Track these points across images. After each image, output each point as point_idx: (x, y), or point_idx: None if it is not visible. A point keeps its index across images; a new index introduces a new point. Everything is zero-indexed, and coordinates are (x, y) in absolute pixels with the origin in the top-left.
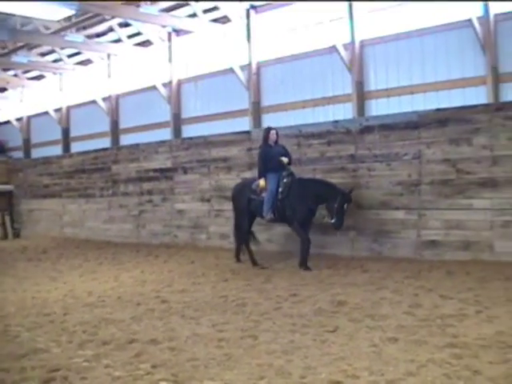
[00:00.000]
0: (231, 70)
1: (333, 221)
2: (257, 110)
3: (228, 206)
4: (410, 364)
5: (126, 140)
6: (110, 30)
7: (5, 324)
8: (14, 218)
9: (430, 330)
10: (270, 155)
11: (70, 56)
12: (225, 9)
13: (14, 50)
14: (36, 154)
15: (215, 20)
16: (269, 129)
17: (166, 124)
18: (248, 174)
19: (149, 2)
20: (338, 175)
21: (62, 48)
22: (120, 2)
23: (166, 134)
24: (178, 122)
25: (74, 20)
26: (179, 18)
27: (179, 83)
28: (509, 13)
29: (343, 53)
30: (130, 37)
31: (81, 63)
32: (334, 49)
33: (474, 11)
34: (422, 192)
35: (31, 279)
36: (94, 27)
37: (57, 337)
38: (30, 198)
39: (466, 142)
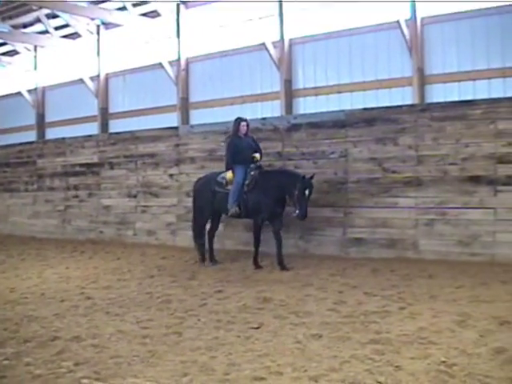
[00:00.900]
0: (160, 65)
1: (296, 212)
2: (185, 106)
3: (154, 202)
4: (333, 360)
5: (52, 134)
6: (37, 20)
7: None
8: None
9: (354, 326)
10: (239, 147)
11: None
12: (155, 3)
13: None
14: None
15: (145, 14)
16: (239, 120)
17: (93, 118)
18: (175, 170)
19: None
20: None
21: None
22: None
23: (93, 129)
24: (105, 116)
25: None
26: (108, 11)
27: (107, 77)
28: (435, 16)
29: (272, 50)
30: (57, 28)
31: (6, 54)
32: (263, 46)
33: (402, 13)
34: (348, 190)
35: None
36: (21, 17)
37: None
38: None
39: (392, 142)
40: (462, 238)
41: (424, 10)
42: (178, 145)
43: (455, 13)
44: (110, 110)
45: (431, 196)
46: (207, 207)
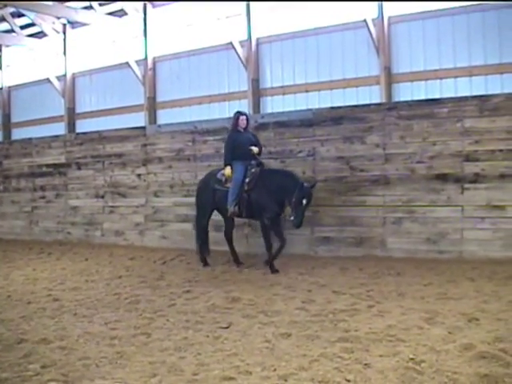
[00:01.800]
0: (127, 65)
1: (291, 218)
2: (152, 106)
3: (122, 203)
4: (302, 359)
5: (18, 134)
6: (2, 19)
7: None
8: None
9: (323, 324)
10: (238, 142)
11: None
12: (121, 2)
13: None
14: None
15: (112, 13)
16: (238, 113)
17: (59, 118)
18: (143, 170)
19: None
20: None
21: None
22: None
23: (59, 129)
24: (72, 116)
25: None
26: (75, 10)
27: (74, 77)
28: (402, 15)
29: (239, 50)
30: (23, 27)
31: None
32: (230, 45)
33: (369, 12)
34: (316, 189)
35: None
36: None
37: None
38: None
39: (359, 140)
40: (430, 235)
41: (391, 9)
42: (145, 145)
43: (422, 12)
44: (77, 110)
45: (399, 194)
46: (208, 206)
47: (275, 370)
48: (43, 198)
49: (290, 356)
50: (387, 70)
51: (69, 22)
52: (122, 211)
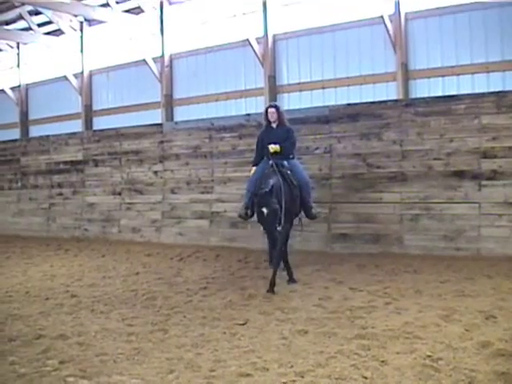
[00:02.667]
0: (144, 62)
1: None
2: (169, 103)
3: (139, 199)
4: (319, 356)
5: (35, 131)
6: (20, 17)
7: None
8: None
9: (340, 321)
10: (266, 140)
11: None
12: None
13: None
14: None
15: (128, 10)
16: (267, 106)
17: (77, 116)
18: (160, 167)
19: None
20: (248, 169)
21: None
22: None
23: (77, 126)
24: (89, 113)
25: None
26: (92, 8)
27: (91, 74)
28: (419, 11)
29: (256, 46)
30: (40, 25)
31: None
32: (247, 42)
33: (386, 9)
34: (332, 186)
35: None
36: (3, 14)
37: None
38: None
39: (376, 137)
40: (447, 232)
41: (408, 5)
42: (162, 141)
43: (439, 8)
44: (94, 107)
45: (416, 191)
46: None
47: (292, 366)
48: (60, 194)
49: (306, 353)
50: (404, 66)
51: (86, 19)
52: (139, 208)
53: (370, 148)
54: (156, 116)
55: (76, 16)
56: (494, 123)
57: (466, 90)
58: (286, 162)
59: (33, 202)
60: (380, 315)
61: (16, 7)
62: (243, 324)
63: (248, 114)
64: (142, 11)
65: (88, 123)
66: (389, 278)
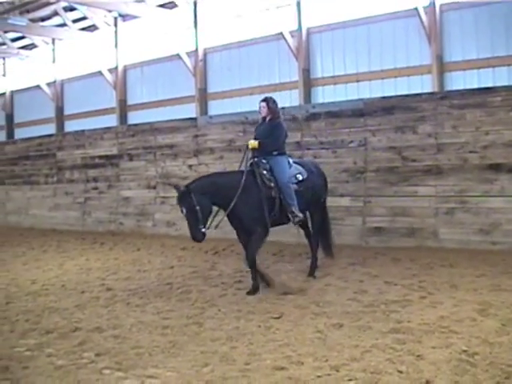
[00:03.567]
0: (178, 56)
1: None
2: (203, 97)
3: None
4: (354, 349)
5: (71, 126)
6: (55, 13)
7: None
8: None
9: (375, 315)
10: (255, 135)
11: (13, 40)
12: None
13: None
14: None
15: (162, 5)
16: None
17: (111, 110)
18: (194, 161)
19: None
20: None
21: (5, 31)
22: None
23: (111, 121)
24: (123, 108)
25: (17, 3)
26: (125, 3)
27: (125, 69)
28: (454, 3)
29: (290, 40)
30: (75, 21)
31: (25, 47)
32: (280, 36)
33: (421, 1)
34: (367, 179)
35: None
36: (38, 11)
37: None
38: None
39: (411, 130)
40: (483, 226)
41: None
42: (196, 135)
43: None
44: (129, 102)
45: (451, 184)
46: None
47: (327, 360)
48: (96, 189)
49: (341, 346)
50: (439, 58)
51: (120, 14)
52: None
53: (405, 141)
54: (190, 110)
55: (110, 11)
56: None
57: (501, 82)
58: (264, 160)
59: (68, 196)
60: (415, 309)
61: (51, 4)
62: (278, 317)
63: (282, 108)
64: (176, 6)
65: (122, 118)
66: (424, 271)
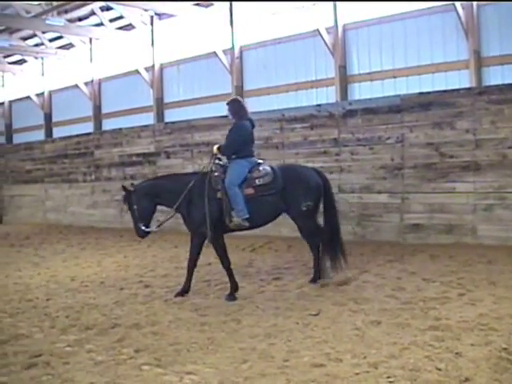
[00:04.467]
0: (214, 54)
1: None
2: (240, 94)
3: None
4: (392, 347)
5: (108, 125)
6: (92, 13)
7: None
8: None
9: (413, 312)
10: None
11: (51, 40)
12: None
13: None
14: (18, 139)
15: (198, 4)
16: None
17: (148, 108)
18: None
19: None
20: (320, 159)
21: (44, 32)
22: None
23: (148, 119)
24: (160, 106)
25: (54, 3)
26: (162, 2)
27: (162, 67)
28: None
29: (326, 37)
30: (112, 20)
31: (62, 47)
32: (316, 33)
33: None
34: (404, 176)
35: (13, 265)
36: (76, 11)
37: (39, 322)
38: (12, 183)
39: (448, 126)
40: None
41: None
42: None
43: None
44: (165, 100)
45: (490, 180)
46: None
47: (365, 357)
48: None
49: (380, 344)
50: (476, 53)
51: (156, 13)
52: None
53: (443, 137)
54: None
55: (146, 10)
56: None
57: None
58: (222, 163)
59: (106, 193)
60: (454, 306)
61: (88, 4)
62: (316, 314)
63: (319, 105)
64: (212, 4)
65: (159, 116)
66: (462, 268)
